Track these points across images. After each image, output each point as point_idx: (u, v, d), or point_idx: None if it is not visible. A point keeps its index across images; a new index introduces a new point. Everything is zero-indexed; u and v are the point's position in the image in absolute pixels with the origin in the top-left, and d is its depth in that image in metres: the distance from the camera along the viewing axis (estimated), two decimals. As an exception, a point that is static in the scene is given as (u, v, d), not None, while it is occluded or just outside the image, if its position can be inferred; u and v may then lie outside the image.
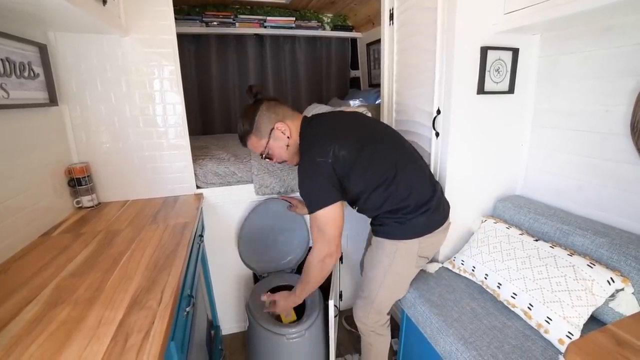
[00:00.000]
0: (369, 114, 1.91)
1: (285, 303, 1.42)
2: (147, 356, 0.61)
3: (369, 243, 1.66)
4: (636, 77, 1.14)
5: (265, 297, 1.48)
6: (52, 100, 1.30)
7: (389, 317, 1.44)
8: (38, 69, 1.22)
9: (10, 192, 1.07)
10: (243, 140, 1.29)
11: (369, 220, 1.37)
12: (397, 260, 1.28)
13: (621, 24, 1.17)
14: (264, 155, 1.29)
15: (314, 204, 1.15)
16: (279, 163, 1.37)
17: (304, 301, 1.57)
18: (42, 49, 1.25)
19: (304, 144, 1.24)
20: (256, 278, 1.90)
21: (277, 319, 1.56)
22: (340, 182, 1.18)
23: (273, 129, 1.23)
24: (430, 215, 1.24)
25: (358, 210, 1.33)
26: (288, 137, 1.24)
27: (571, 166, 1.40)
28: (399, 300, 1.46)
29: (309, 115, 1.34)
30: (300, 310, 1.55)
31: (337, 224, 1.17)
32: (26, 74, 1.15)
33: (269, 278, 1.80)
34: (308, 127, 1.26)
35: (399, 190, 1.20)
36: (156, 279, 0.88)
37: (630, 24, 1.14)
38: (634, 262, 1.07)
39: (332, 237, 1.17)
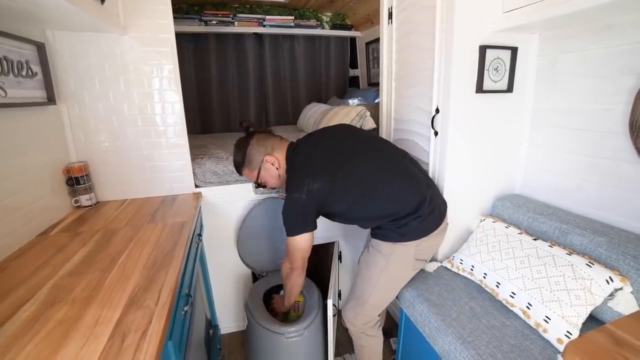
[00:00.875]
0: (367, 117, 1.92)
1: (279, 305, 1.60)
2: (144, 356, 0.61)
3: (367, 245, 1.67)
4: (635, 75, 1.14)
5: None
6: (50, 99, 1.29)
7: (379, 318, 1.44)
8: (36, 68, 1.22)
9: (8, 191, 1.07)
10: (238, 170, 1.41)
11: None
12: (393, 262, 1.29)
13: (620, 23, 1.16)
14: (258, 184, 1.40)
15: (287, 230, 1.26)
16: (273, 189, 1.55)
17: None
18: (40, 48, 1.24)
19: (289, 173, 1.33)
20: (255, 277, 1.90)
21: (285, 315, 1.61)
22: (321, 208, 1.26)
23: (263, 161, 1.34)
24: (422, 220, 1.24)
25: (353, 223, 1.38)
26: (277, 168, 1.34)
27: (570, 165, 1.40)
28: (398, 299, 1.46)
29: (295, 140, 1.42)
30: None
31: (303, 250, 1.28)
32: (24, 72, 1.15)
33: (267, 277, 1.80)
34: (293, 155, 1.34)
35: (383, 201, 1.25)
36: (154, 278, 0.88)
37: (629, 23, 1.14)
38: (633, 261, 1.07)
39: (295, 259, 1.30)
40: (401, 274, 1.35)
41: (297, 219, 1.25)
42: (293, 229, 1.25)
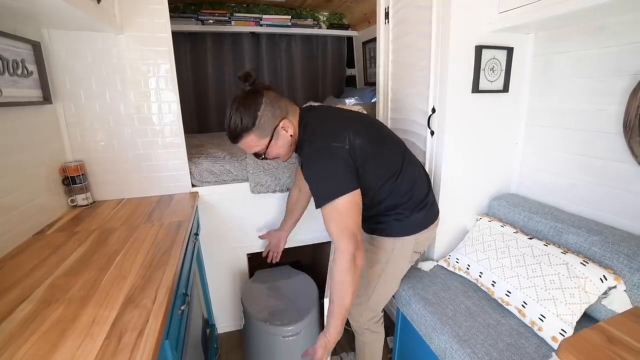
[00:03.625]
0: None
1: (328, 344, 1.12)
2: (141, 355, 0.61)
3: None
4: (628, 76, 1.15)
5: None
6: (46, 99, 1.29)
7: (382, 314, 1.44)
8: (32, 67, 1.21)
9: (4, 191, 1.07)
10: (237, 137, 1.09)
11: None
12: (395, 258, 1.29)
13: (613, 24, 1.17)
14: (261, 156, 1.16)
15: (330, 193, 1.01)
16: (270, 159, 1.24)
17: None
18: (36, 47, 1.24)
19: (310, 132, 1.12)
20: (251, 273, 1.90)
21: None
22: (356, 171, 1.07)
23: (277, 126, 1.10)
24: (427, 211, 1.26)
25: (369, 207, 1.29)
26: (291, 136, 1.13)
27: (565, 164, 1.41)
28: (394, 298, 1.46)
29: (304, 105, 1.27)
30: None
31: (359, 211, 1.04)
32: (19, 71, 1.14)
33: (265, 273, 1.80)
34: (309, 115, 1.16)
35: (403, 184, 1.20)
36: (151, 277, 0.88)
37: (622, 24, 1.15)
38: (626, 259, 1.08)
39: (356, 228, 1.03)
40: (402, 267, 1.36)
41: (344, 172, 1.02)
42: (339, 187, 1.01)
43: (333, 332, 1.09)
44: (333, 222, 1.04)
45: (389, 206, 1.22)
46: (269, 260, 1.75)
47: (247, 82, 1.10)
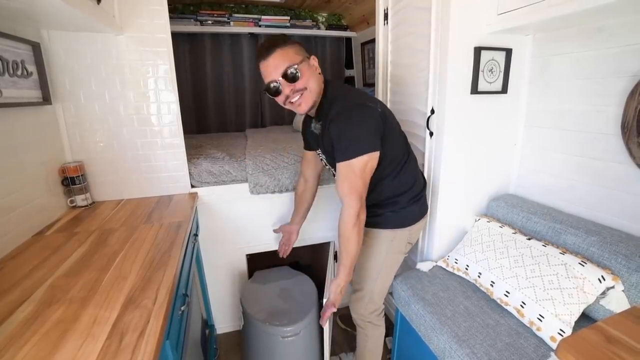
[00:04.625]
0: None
1: (337, 290, 1.23)
2: (142, 356, 0.61)
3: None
4: (626, 77, 1.16)
5: (325, 318, 1.28)
6: (46, 99, 1.29)
7: (383, 306, 1.46)
8: (31, 68, 1.21)
9: (3, 192, 1.06)
10: (273, 47, 1.08)
11: None
12: (393, 249, 1.33)
13: (612, 26, 1.18)
14: (289, 72, 1.08)
15: (357, 149, 1.05)
16: (298, 93, 1.13)
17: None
18: (35, 47, 1.24)
19: (337, 93, 1.15)
20: (251, 274, 1.90)
21: None
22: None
23: (309, 57, 1.15)
24: (421, 204, 1.35)
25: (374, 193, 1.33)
26: (319, 74, 1.17)
27: (563, 165, 1.42)
28: (393, 299, 1.47)
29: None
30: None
31: (371, 174, 1.11)
32: (19, 72, 1.14)
33: (264, 274, 1.80)
34: (332, 82, 1.20)
35: (406, 173, 1.27)
36: (151, 278, 0.88)
37: (620, 26, 1.16)
38: (624, 260, 1.08)
39: (364, 189, 1.10)
40: (399, 258, 1.39)
41: (375, 132, 1.07)
42: (368, 143, 1.06)
43: (343, 277, 1.21)
44: (346, 180, 1.10)
45: (388, 195, 1.26)
46: (280, 255, 1.76)
47: None
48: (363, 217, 1.13)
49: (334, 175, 1.33)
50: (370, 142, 1.07)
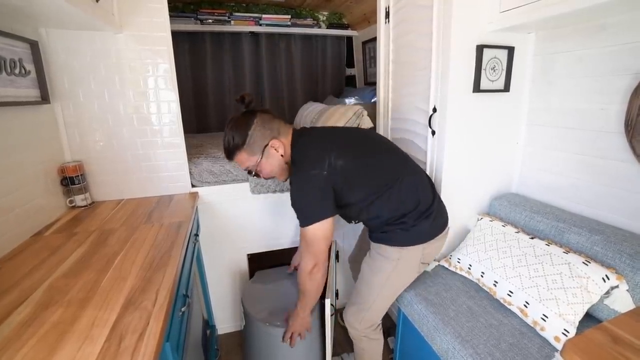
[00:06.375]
0: (364, 116, 1.90)
1: (296, 323, 1.33)
2: (142, 358, 0.60)
3: (362, 246, 1.64)
4: (629, 75, 1.15)
5: (286, 338, 1.38)
6: (44, 98, 1.28)
7: (380, 322, 1.43)
8: (29, 66, 1.20)
9: (1, 192, 1.06)
10: (230, 154, 1.21)
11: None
12: (400, 268, 1.26)
13: (614, 23, 1.17)
14: (252, 172, 1.24)
15: (305, 219, 1.13)
16: (266, 179, 1.32)
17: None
18: (34, 46, 1.23)
19: (297, 156, 1.19)
20: (252, 274, 1.89)
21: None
22: (339, 192, 1.15)
23: (267, 146, 1.18)
24: (433, 220, 1.24)
25: (358, 222, 1.34)
26: (282, 155, 1.20)
27: (566, 164, 1.41)
28: (396, 299, 1.46)
29: (299, 127, 1.31)
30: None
31: (326, 239, 1.16)
32: (17, 71, 1.13)
33: (265, 274, 1.79)
34: (300, 139, 1.22)
35: (402, 193, 1.19)
36: (151, 279, 0.87)
37: (623, 23, 1.15)
38: (629, 259, 1.08)
39: (319, 251, 1.17)
40: (406, 278, 1.33)
41: (317, 201, 1.12)
42: (313, 214, 1.12)
43: (301, 314, 1.31)
44: (304, 240, 1.18)
45: (391, 217, 1.21)
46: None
47: (243, 104, 1.22)
48: (316, 272, 1.19)
49: None
50: (314, 212, 1.12)
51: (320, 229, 1.13)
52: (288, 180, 1.29)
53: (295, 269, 1.74)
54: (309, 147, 1.19)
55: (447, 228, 1.31)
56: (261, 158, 1.19)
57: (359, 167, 1.16)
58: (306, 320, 1.34)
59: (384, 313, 1.40)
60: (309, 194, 1.13)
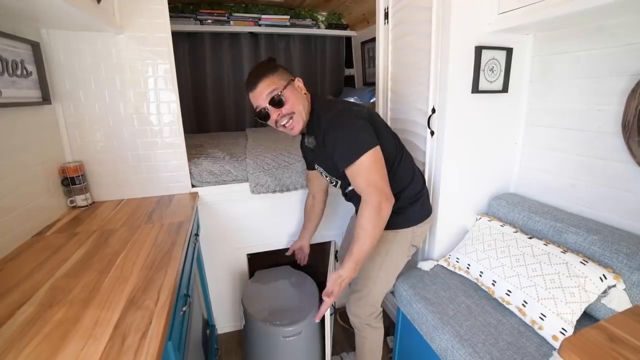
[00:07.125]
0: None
1: (337, 286, 1.15)
2: (145, 357, 0.61)
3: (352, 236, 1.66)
4: (627, 77, 1.16)
5: (321, 313, 1.22)
6: (45, 99, 1.28)
7: (381, 309, 1.45)
8: (31, 67, 1.21)
9: (3, 192, 1.06)
10: (257, 79, 1.16)
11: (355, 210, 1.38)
12: (394, 250, 1.32)
13: (612, 25, 1.18)
14: (275, 98, 1.15)
15: (356, 151, 1.07)
16: (286, 117, 1.19)
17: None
18: (35, 47, 1.23)
19: (324, 107, 1.20)
20: (251, 273, 1.90)
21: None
22: None
23: (293, 80, 1.20)
24: (422, 204, 1.33)
25: (351, 199, 1.36)
26: (305, 94, 1.22)
27: (564, 164, 1.42)
28: (395, 298, 1.47)
29: None
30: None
31: (383, 169, 1.10)
32: (19, 72, 1.14)
33: (265, 273, 1.80)
34: (319, 99, 1.26)
35: (401, 170, 1.26)
36: (152, 278, 0.88)
37: (621, 25, 1.15)
38: (626, 259, 1.09)
39: (382, 181, 1.10)
40: (400, 261, 1.39)
41: (367, 130, 1.11)
42: (363, 143, 1.08)
43: (347, 269, 1.13)
44: (360, 177, 1.10)
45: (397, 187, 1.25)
46: (298, 262, 1.79)
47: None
48: (385, 212, 1.08)
49: (335, 185, 1.37)
50: (367, 140, 1.09)
51: (375, 156, 1.08)
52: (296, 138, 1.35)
53: (294, 252, 1.77)
54: (336, 100, 1.23)
55: (431, 216, 1.41)
56: (287, 85, 1.17)
57: (380, 131, 1.18)
58: (352, 276, 1.16)
59: (383, 298, 1.43)
60: (355, 125, 1.10)
